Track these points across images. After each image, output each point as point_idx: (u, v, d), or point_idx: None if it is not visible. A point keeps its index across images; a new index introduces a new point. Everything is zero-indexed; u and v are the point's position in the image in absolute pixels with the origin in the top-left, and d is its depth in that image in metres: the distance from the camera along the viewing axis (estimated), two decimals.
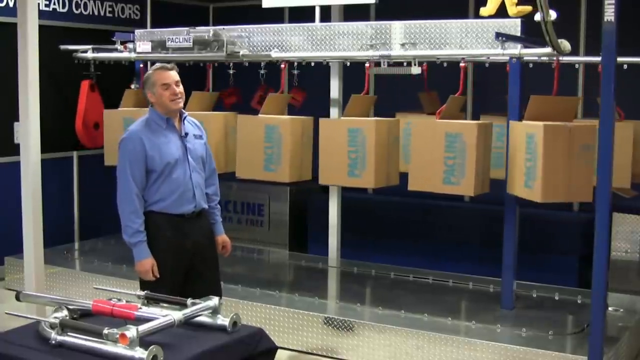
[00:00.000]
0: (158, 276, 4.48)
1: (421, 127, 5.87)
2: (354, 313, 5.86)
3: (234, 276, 6.95)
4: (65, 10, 8.08)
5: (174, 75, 4.52)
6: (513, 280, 5.90)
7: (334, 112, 6.84)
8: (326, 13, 6.71)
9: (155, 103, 4.57)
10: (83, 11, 8.26)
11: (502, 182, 5.80)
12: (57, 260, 7.21)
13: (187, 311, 3.52)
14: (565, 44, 5.22)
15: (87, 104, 7.79)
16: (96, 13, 8.39)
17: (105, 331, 3.20)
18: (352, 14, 6.87)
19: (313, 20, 6.41)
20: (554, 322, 5.61)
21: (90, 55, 7.65)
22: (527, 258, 6.48)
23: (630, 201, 6.62)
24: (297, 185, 8.03)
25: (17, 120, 5.61)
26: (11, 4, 7.40)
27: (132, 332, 3.16)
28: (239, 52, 6.61)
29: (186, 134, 4.62)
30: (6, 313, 3.85)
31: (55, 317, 3.45)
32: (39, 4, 6.36)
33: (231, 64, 6.68)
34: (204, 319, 3.62)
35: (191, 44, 6.69)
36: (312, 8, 6.44)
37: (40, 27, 5.48)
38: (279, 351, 4.00)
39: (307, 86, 6.73)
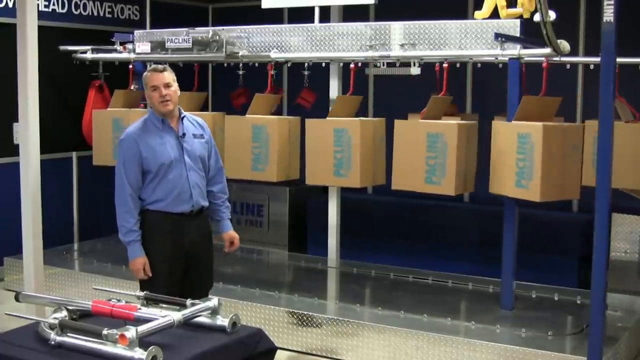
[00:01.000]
0: (150, 275, 4.55)
1: (403, 127, 5.91)
2: (353, 314, 5.86)
3: (234, 277, 6.95)
4: (64, 11, 8.08)
5: (163, 77, 4.52)
6: (512, 281, 5.90)
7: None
8: (325, 14, 6.71)
9: (149, 104, 4.66)
10: (82, 12, 8.26)
11: None
12: (56, 260, 7.20)
13: (187, 312, 3.52)
14: (564, 45, 5.22)
15: (95, 104, 7.79)
16: (95, 14, 8.39)
17: (105, 332, 3.20)
18: (351, 14, 6.87)
19: (312, 21, 6.42)
20: (554, 322, 5.61)
21: (89, 56, 7.65)
22: (526, 258, 6.48)
23: (630, 201, 6.62)
24: (297, 186, 8.04)
25: (17, 120, 5.61)
26: (10, 5, 7.39)
27: (131, 332, 3.16)
28: (238, 53, 6.62)
29: (184, 134, 4.63)
30: (6, 314, 3.85)
31: (55, 318, 3.45)
32: (38, 4, 6.37)
33: (241, 65, 6.66)
34: (203, 319, 3.62)
35: (190, 44, 6.70)
36: (312, 9, 6.45)
37: (40, 27, 5.48)
38: (279, 352, 4.00)
39: (299, 85, 6.73)
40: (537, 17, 4.59)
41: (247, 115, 6.50)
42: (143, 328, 3.24)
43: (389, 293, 6.47)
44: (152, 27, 8.35)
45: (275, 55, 6.48)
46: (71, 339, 3.34)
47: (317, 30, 6.36)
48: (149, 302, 3.75)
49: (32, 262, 5.49)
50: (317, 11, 6.42)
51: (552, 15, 4.56)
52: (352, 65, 6.24)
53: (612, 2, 4.33)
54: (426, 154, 5.66)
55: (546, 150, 5.24)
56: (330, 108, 6.89)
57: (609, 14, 4.35)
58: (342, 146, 6.05)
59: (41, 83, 5.49)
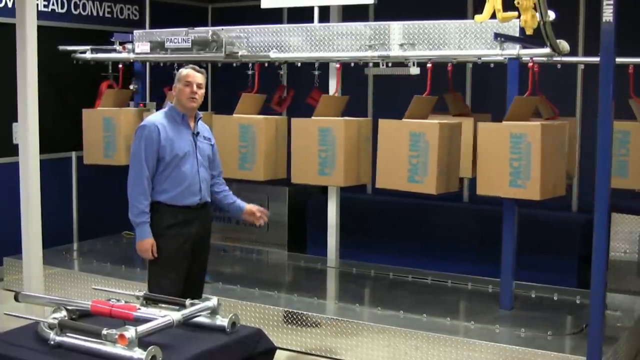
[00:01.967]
0: (156, 256, 4.74)
1: (387, 127, 5.94)
2: (353, 313, 5.86)
3: (233, 277, 6.96)
4: (64, 10, 8.08)
5: (198, 77, 4.82)
6: (512, 281, 5.90)
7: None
8: (325, 13, 6.72)
9: (175, 97, 4.86)
10: (82, 12, 8.26)
11: None
12: (55, 260, 7.20)
13: (186, 312, 3.53)
14: (563, 45, 5.22)
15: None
16: (95, 14, 8.39)
17: (104, 332, 3.20)
18: (350, 14, 6.87)
19: (312, 21, 6.42)
20: (553, 322, 5.61)
21: (88, 55, 7.64)
22: (526, 258, 6.48)
23: (630, 201, 6.63)
24: (296, 186, 8.04)
25: (16, 120, 5.62)
26: (10, 5, 7.39)
27: (130, 332, 3.16)
28: (237, 53, 6.62)
29: (198, 132, 4.91)
30: (5, 314, 3.86)
31: (54, 318, 3.45)
32: (37, 4, 6.36)
33: (251, 65, 6.66)
34: (202, 319, 3.62)
35: (190, 44, 6.70)
36: (311, 8, 6.45)
37: (39, 27, 5.48)
38: (278, 352, 4.00)
39: (306, 86, 6.72)
40: (536, 17, 4.58)
41: (234, 115, 6.53)
42: (142, 328, 3.24)
43: (389, 293, 6.47)
44: (151, 27, 8.36)
45: (274, 55, 6.48)
46: (70, 339, 3.34)
47: (316, 30, 6.36)
48: (148, 302, 3.75)
49: (32, 262, 5.49)
50: (316, 11, 6.43)
51: (551, 15, 4.55)
52: (337, 66, 6.32)
53: (612, 2, 4.34)
54: (409, 153, 5.72)
55: (544, 149, 5.31)
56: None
57: (608, 14, 4.35)
58: (327, 145, 6.12)
59: (40, 83, 5.49)
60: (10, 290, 6.85)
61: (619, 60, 4.61)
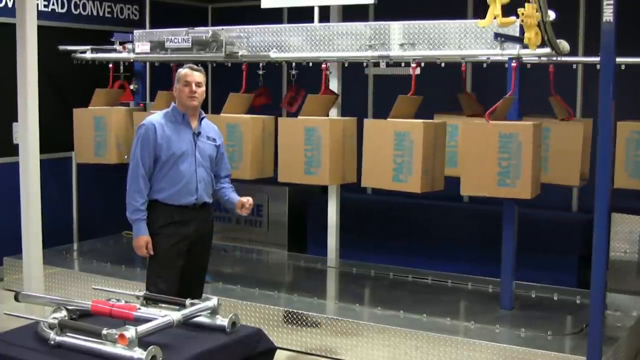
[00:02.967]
0: (152, 253, 4.77)
1: (372, 126, 6.00)
2: (353, 313, 5.86)
3: (233, 277, 6.96)
4: (64, 10, 8.08)
5: (197, 76, 4.83)
6: (512, 281, 5.90)
7: (333, 112, 6.84)
8: (325, 13, 6.72)
9: (176, 97, 4.89)
10: (82, 12, 8.26)
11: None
12: (56, 260, 7.20)
13: (186, 311, 3.53)
14: (564, 44, 5.22)
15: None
16: (95, 13, 8.39)
17: (104, 332, 3.20)
18: (350, 14, 6.87)
19: (312, 21, 6.42)
20: (553, 322, 5.61)
21: (89, 55, 7.65)
22: (526, 258, 6.48)
23: (630, 201, 6.62)
24: (296, 186, 8.04)
25: (16, 120, 5.62)
26: (10, 5, 7.39)
27: (131, 332, 3.16)
28: (237, 53, 6.62)
29: (199, 132, 4.90)
30: (5, 313, 3.86)
31: (54, 318, 3.45)
32: (37, 4, 6.36)
33: (261, 64, 6.65)
34: (202, 319, 3.62)
35: (190, 44, 6.70)
36: (311, 8, 6.45)
37: (39, 27, 5.48)
38: (278, 351, 4.00)
39: (306, 86, 6.72)
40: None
41: (221, 114, 6.55)
42: (142, 328, 3.24)
43: (389, 293, 6.48)
44: (151, 27, 8.36)
45: (274, 55, 6.48)
46: (71, 339, 3.34)
47: (316, 30, 6.36)
48: (148, 302, 3.75)
49: (32, 261, 5.49)
50: (316, 11, 6.43)
51: (551, 15, 4.56)
52: (323, 66, 6.34)
53: (612, 2, 4.34)
54: (394, 152, 5.76)
55: (534, 148, 5.36)
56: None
57: (608, 14, 4.35)
58: (313, 144, 6.16)
59: (41, 83, 5.48)
60: (10, 290, 6.85)
61: (619, 60, 4.61)
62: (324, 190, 7.45)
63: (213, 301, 3.65)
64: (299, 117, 6.31)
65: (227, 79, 7.13)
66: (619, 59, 5.75)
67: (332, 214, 7.18)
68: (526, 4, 4.36)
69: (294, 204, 8.60)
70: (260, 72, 6.64)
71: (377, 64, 6.21)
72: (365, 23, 6.34)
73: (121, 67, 7.80)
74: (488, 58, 5.85)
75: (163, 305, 3.73)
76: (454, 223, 7.78)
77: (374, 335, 5.55)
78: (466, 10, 7.91)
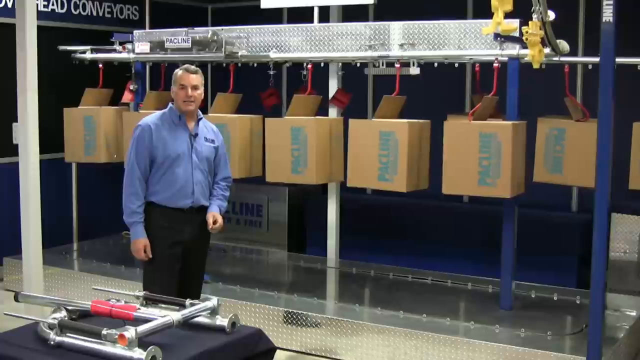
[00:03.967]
0: (150, 256, 4.72)
1: (357, 126, 6.06)
2: (352, 314, 5.86)
3: (233, 277, 6.96)
4: (63, 10, 8.08)
5: (193, 78, 4.75)
6: (512, 281, 5.91)
7: (332, 112, 6.84)
8: (325, 13, 6.71)
9: (173, 100, 4.83)
10: (82, 12, 8.26)
11: None
12: (55, 260, 7.20)
13: (186, 312, 3.53)
14: (563, 45, 5.22)
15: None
16: (95, 14, 8.39)
17: (104, 332, 3.20)
18: (350, 14, 6.87)
19: (312, 21, 6.42)
20: (553, 322, 5.61)
21: (88, 56, 7.65)
22: (526, 258, 6.48)
23: (629, 201, 6.62)
24: (296, 186, 8.04)
25: (16, 121, 5.61)
26: (10, 5, 7.39)
27: (130, 332, 3.16)
28: (237, 53, 6.62)
29: (196, 134, 4.83)
30: (5, 314, 3.85)
31: (54, 318, 3.45)
32: (37, 4, 6.35)
33: (271, 65, 6.64)
34: (202, 319, 3.62)
35: (190, 44, 6.70)
36: (311, 9, 6.45)
37: (39, 27, 5.48)
38: (278, 352, 4.00)
39: (296, 86, 6.72)
40: (535, 17, 4.59)
41: (209, 114, 6.57)
42: (142, 328, 3.24)
43: (388, 293, 6.48)
44: (151, 27, 8.35)
45: (274, 55, 6.48)
46: (70, 339, 3.34)
47: (316, 30, 6.36)
48: (148, 302, 3.75)
49: (32, 262, 5.49)
50: (316, 11, 6.43)
51: (551, 15, 4.56)
52: (309, 66, 6.36)
53: (611, 2, 4.34)
54: (379, 151, 5.83)
55: (514, 147, 5.40)
56: (328, 109, 6.90)
57: (608, 14, 4.36)
58: (299, 144, 6.21)
59: (40, 83, 5.48)
60: (10, 290, 6.85)
61: (619, 60, 4.61)
62: (323, 190, 7.45)
63: (213, 301, 3.64)
64: (285, 117, 6.34)
65: (227, 79, 7.13)
66: (627, 59, 5.81)
67: (332, 214, 7.18)
68: (530, 22, 4.43)
69: (294, 204, 8.60)
70: (271, 72, 6.64)
71: (376, 64, 6.21)
72: (365, 23, 6.33)
73: (132, 68, 7.81)
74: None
75: (163, 305, 3.73)
76: (454, 223, 7.78)
77: (373, 335, 5.55)
78: (465, 10, 7.91)
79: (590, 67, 6.27)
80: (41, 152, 5.55)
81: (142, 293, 3.81)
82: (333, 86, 6.89)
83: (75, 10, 8.19)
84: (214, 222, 4.85)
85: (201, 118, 4.91)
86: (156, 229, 4.74)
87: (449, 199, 6.37)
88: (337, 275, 7.13)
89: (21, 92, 5.41)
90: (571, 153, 6.03)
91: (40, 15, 6.21)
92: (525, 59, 5.60)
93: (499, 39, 5.43)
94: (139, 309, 3.49)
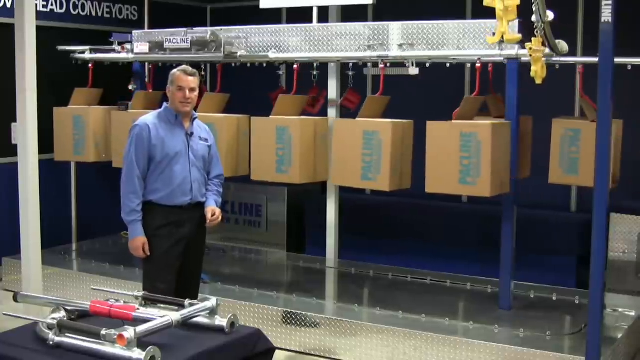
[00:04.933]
0: (149, 254, 4.75)
1: (341, 126, 6.14)
2: (351, 314, 5.86)
3: (232, 277, 6.96)
4: (62, 11, 8.08)
5: (191, 80, 4.82)
6: (511, 281, 5.91)
7: (331, 112, 6.84)
8: (324, 14, 6.71)
9: (169, 99, 4.88)
10: (81, 12, 8.26)
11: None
12: (54, 261, 7.20)
13: (185, 312, 3.52)
14: (562, 45, 5.22)
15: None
16: (94, 14, 8.39)
17: (103, 332, 3.20)
18: (349, 14, 6.86)
19: (311, 21, 6.41)
20: (552, 322, 5.61)
21: (87, 56, 7.64)
22: (525, 258, 6.48)
23: (628, 201, 6.62)
24: (295, 186, 8.04)
25: (15, 121, 5.61)
26: (9, 5, 7.39)
27: (130, 333, 3.16)
28: (236, 53, 6.61)
29: (192, 133, 4.89)
30: (4, 314, 3.85)
31: (53, 318, 3.45)
32: (36, 4, 6.35)
33: (281, 65, 6.64)
34: (201, 319, 3.62)
35: (189, 44, 6.70)
36: (310, 9, 6.44)
37: (38, 27, 5.48)
38: (277, 352, 4.00)
39: (304, 86, 6.72)
40: (534, 18, 4.59)
41: (197, 114, 6.58)
42: (141, 328, 3.24)
43: (388, 293, 6.48)
44: (150, 27, 8.34)
45: (273, 55, 6.48)
46: (69, 340, 3.34)
47: (315, 31, 6.36)
48: (147, 302, 3.75)
49: (31, 262, 5.48)
50: (315, 11, 6.42)
51: (550, 15, 4.56)
52: (295, 67, 6.40)
53: (610, 3, 4.34)
54: (362, 151, 5.88)
55: (494, 147, 5.46)
56: (327, 108, 6.90)
57: (606, 14, 4.36)
58: (284, 143, 6.25)
59: (39, 83, 5.48)
60: (9, 290, 6.85)
61: (618, 60, 4.61)
62: (323, 190, 7.45)
63: (212, 301, 3.64)
64: (270, 116, 6.38)
65: (228, 79, 7.13)
66: (626, 60, 5.80)
67: (331, 214, 7.18)
68: (533, 39, 4.54)
69: (293, 204, 8.60)
70: (280, 72, 6.67)
71: (376, 64, 6.21)
72: (364, 23, 6.33)
73: (146, 68, 7.82)
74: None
75: (162, 305, 3.73)
76: (453, 223, 7.78)
77: (372, 335, 5.55)
78: (465, 11, 7.91)
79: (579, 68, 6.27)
80: (40, 152, 5.54)
81: (141, 293, 3.81)
82: (332, 86, 6.89)
83: (74, 10, 8.19)
84: (213, 215, 4.90)
85: (195, 117, 4.97)
86: (156, 228, 4.77)
87: (448, 199, 6.37)
88: (336, 275, 7.13)
89: (20, 92, 5.40)
90: (587, 154, 5.98)
91: (39, 15, 6.21)
92: (523, 58, 5.64)
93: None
94: (138, 309, 3.49)
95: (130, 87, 7.65)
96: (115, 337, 3.16)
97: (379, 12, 7.62)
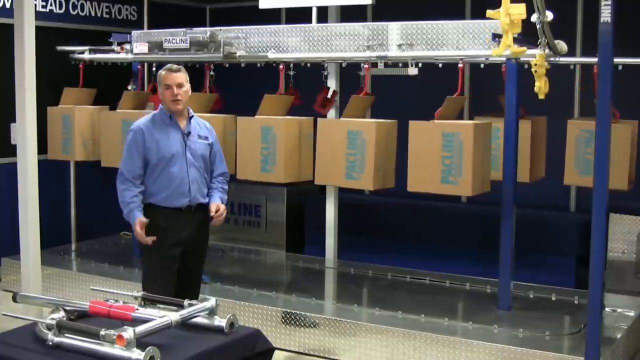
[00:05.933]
0: (154, 238, 4.67)
1: (325, 126, 6.22)
2: (351, 314, 5.86)
3: (231, 277, 6.96)
4: (62, 11, 8.08)
5: (177, 77, 4.74)
6: (510, 281, 5.91)
7: (331, 113, 6.84)
8: (323, 14, 6.71)
9: (162, 101, 4.82)
10: (80, 12, 8.26)
11: (499, 183, 5.84)
12: (53, 261, 7.20)
13: (184, 312, 3.52)
14: (561, 45, 5.22)
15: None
16: (93, 14, 8.39)
17: (103, 332, 3.20)
18: (349, 14, 6.86)
19: (310, 21, 6.41)
20: (551, 322, 5.62)
21: (87, 56, 7.64)
22: (524, 259, 6.48)
23: (627, 202, 6.62)
24: (294, 186, 8.04)
25: (14, 121, 5.61)
26: (8, 5, 7.38)
27: (129, 333, 3.16)
28: (235, 53, 6.61)
29: (189, 132, 4.83)
30: (3, 314, 3.85)
31: (52, 319, 3.45)
32: (35, 5, 6.35)
33: (291, 65, 6.61)
34: (201, 320, 3.62)
35: (188, 45, 6.69)
36: (309, 9, 6.44)
37: (37, 28, 5.48)
38: (276, 352, 4.00)
39: (304, 87, 6.72)
40: (534, 18, 4.60)
41: None
42: (141, 329, 3.24)
43: (387, 293, 6.48)
44: (149, 28, 8.34)
45: (272, 55, 6.48)
46: (69, 340, 3.34)
47: (314, 31, 6.35)
48: (146, 302, 3.75)
49: (30, 262, 5.48)
50: (314, 11, 6.42)
51: (549, 15, 4.56)
52: (281, 67, 6.43)
53: (610, 3, 4.35)
54: (346, 150, 5.95)
55: (475, 147, 5.51)
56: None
57: (606, 15, 4.37)
58: (268, 143, 6.30)
59: (38, 83, 5.48)
60: (8, 290, 6.84)
61: (616, 60, 4.62)
62: (322, 190, 7.45)
63: (211, 302, 3.64)
64: (255, 116, 6.41)
65: (227, 79, 7.13)
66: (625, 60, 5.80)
67: (330, 214, 7.18)
68: (537, 55, 4.60)
69: (292, 205, 8.60)
70: (291, 72, 6.62)
71: (375, 65, 6.21)
72: (363, 23, 6.32)
73: (153, 68, 7.81)
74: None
75: (161, 306, 3.72)
76: (452, 223, 7.78)
77: (372, 335, 5.55)
78: (464, 11, 7.92)
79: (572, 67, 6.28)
80: (39, 152, 5.54)
81: (140, 293, 3.80)
82: (331, 86, 6.89)
83: (73, 10, 8.19)
84: (217, 212, 4.84)
85: (192, 116, 4.91)
86: (155, 230, 4.72)
87: (447, 200, 6.38)
88: (335, 275, 7.13)
89: (19, 93, 5.40)
90: None
91: (38, 15, 6.21)
92: (522, 58, 5.64)
93: (496, 39, 5.43)
94: (137, 309, 3.49)
95: (129, 88, 7.65)
96: (115, 337, 3.16)
97: (378, 12, 7.61)
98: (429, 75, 6.04)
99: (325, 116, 6.67)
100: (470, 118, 7.22)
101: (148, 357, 3.12)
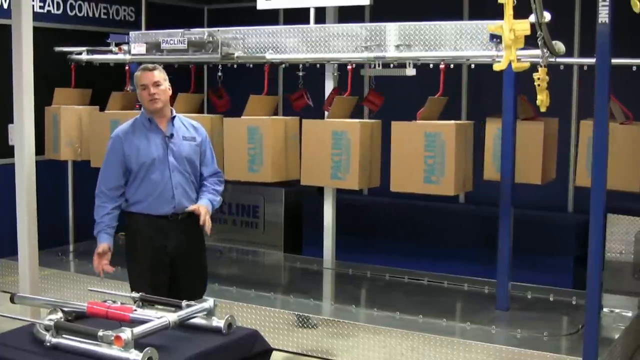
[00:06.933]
0: (110, 269, 4.61)
1: (310, 127, 6.27)
2: (349, 315, 5.86)
3: (229, 278, 6.95)
4: (59, 12, 8.07)
5: (153, 75, 4.54)
6: (508, 282, 5.91)
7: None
8: (321, 15, 6.71)
9: (141, 104, 4.66)
10: (78, 13, 8.25)
11: (497, 183, 5.84)
12: (51, 262, 7.19)
13: (182, 313, 3.52)
14: (559, 46, 5.23)
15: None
16: (91, 15, 8.38)
17: (100, 333, 3.19)
18: (346, 15, 6.87)
19: (308, 22, 6.42)
20: (549, 323, 5.62)
21: (84, 57, 7.63)
22: (522, 259, 6.47)
23: (625, 202, 6.62)
24: (292, 187, 8.04)
25: (12, 122, 5.61)
26: (5, 6, 7.38)
27: (127, 334, 3.15)
28: (233, 54, 6.62)
29: (172, 134, 4.63)
30: (1, 315, 3.84)
31: (50, 319, 3.44)
32: (33, 5, 6.36)
33: (301, 66, 6.59)
34: (198, 320, 3.62)
35: (186, 45, 6.69)
36: (307, 10, 6.45)
37: (35, 29, 5.47)
38: (274, 353, 4.00)
39: (308, 87, 6.72)
40: (532, 18, 4.60)
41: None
42: (138, 329, 3.23)
43: (385, 294, 6.48)
44: (147, 28, 8.34)
45: (270, 56, 6.48)
46: (66, 341, 3.33)
47: (312, 32, 6.36)
48: (144, 303, 3.75)
49: (27, 263, 5.48)
50: (312, 12, 6.43)
51: (547, 16, 4.57)
52: (266, 67, 6.46)
53: (607, 4, 4.35)
54: (332, 150, 6.03)
55: (457, 147, 5.58)
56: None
57: (603, 15, 4.37)
58: (255, 143, 6.36)
59: (36, 84, 5.48)
60: (5, 291, 6.84)
61: (615, 61, 4.62)
62: (319, 191, 7.45)
63: (209, 302, 3.64)
64: (242, 117, 6.43)
65: (228, 80, 7.13)
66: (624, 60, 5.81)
67: (328, 215, 7.18)
68: (540, 69, 4.61)
69: (290, 205, 8.59)
70: (300, 73, 6.60)
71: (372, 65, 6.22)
72: (361, 24, 6.34)
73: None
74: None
75: (159, 306, 3.72)
76: (450, 224, 7.78)
77: (370, 336, 5.55)
78: (462, 12, 7.92)
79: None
80: (37, 153, 5.54)
81: (138, 294, 3.80)
82: (329, 87, 6.89)
83: (71, 11, 8.18)
84: (198, 215, 4.56)
85: (175, 116, 4.68)
86: (140, 237, 4.58)
87: (445, 200, 6.38)
88: (333, 276, 7.13)
89: (17, 93, 5.40)
90: (615, 157, 5.94)
91: (36, 16, 6.20)
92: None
93: (494, 40, 5.44)
94: (135, 310, 3.49)
95: (128, 89, 7.64)
96: (112, 338, 3.16)
97: (375, 13, 7.61)
98: (428, 75, 6.05)
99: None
100: (468, 118, 7.22)
101: (146, 358, 3.11)
